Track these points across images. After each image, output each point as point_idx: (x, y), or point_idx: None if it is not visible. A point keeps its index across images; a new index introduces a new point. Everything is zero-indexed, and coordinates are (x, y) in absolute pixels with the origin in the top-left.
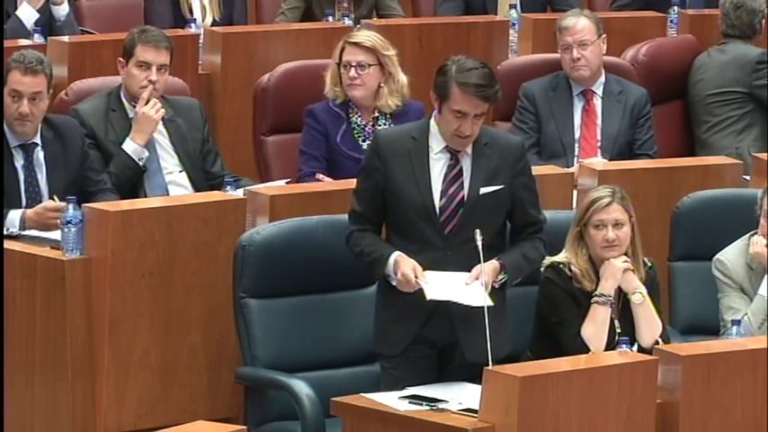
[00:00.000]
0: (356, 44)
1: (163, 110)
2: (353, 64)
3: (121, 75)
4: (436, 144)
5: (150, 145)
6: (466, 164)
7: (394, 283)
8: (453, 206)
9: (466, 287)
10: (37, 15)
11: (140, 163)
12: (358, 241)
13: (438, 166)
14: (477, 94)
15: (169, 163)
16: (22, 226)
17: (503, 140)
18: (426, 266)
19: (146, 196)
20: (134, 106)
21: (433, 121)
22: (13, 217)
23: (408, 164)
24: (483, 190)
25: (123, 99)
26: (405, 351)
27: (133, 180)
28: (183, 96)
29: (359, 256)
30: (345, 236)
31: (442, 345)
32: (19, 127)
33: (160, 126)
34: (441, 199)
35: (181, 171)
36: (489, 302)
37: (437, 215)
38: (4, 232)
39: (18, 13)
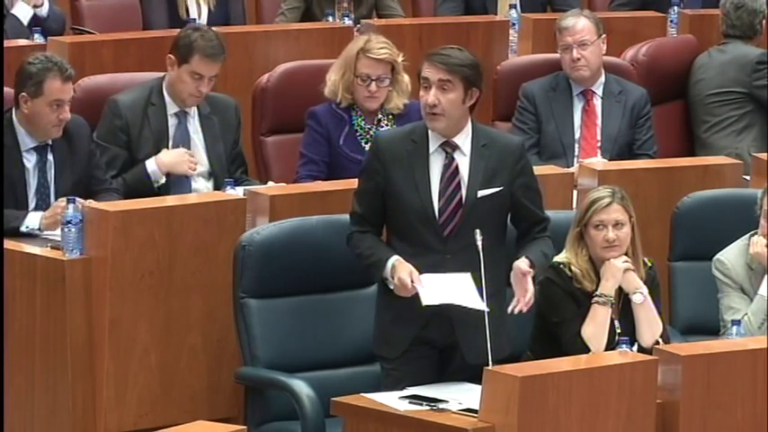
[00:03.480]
0: (375, 58)
1: (196, 170)
2: (373, 78)
3: (169, 71)
4: (433, 143)
5: (184, 145)
6: (463, 164)
7: (392, 287)
8: (451, 208)
9: (462, 291)
10: (32, 12)
11: (155, 186)
12: (358, 243)
13: (435, 167)
14: (439, 61)
15: (199, 166)
16: (41, 227)
17: (502, 141)
18: (425, 269)
19: None
20: (177, 107)
21: None
22: (34, 219)
23: (408, 167)
24: (481, 193)
25: (165, 93)
26: (405, 352)
27: (141, 195)
28: (222, 94)
29: (358, 257)
30: (346, 236)
31: (442, 346)
32: (56, 132)
33: (196, 123)
34: (439, 201)
35: (209, 179)
36: (486, 308)
37: (436, 218)
38: (24, 230)
39: (14, 11)
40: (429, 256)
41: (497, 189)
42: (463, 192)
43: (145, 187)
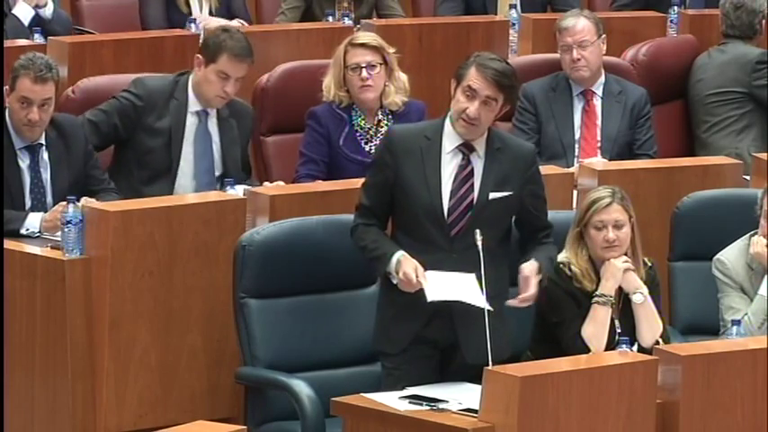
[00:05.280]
0: (362, 45)
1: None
2: (363, 65)
3: (196, 71)
4: (449, 143)
5: (203, 144)
6: (477, 167)
7: (395, 282)
8: (462, 209)
9: (467, 289)
10: (33, 13)
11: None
12: (362, 235)
13: (449, 167)
14: (492, 76)
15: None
16: (41, 229)
17: (515, 146)
18: (430, 267)
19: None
20: (200, 105)
21: (447, 121)
22: (34, 220)
23: (420, 163)
24: (492, 195)
25: (190, 91)
26: (406, 350)
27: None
28: (240, 99)
29: (362, 250)
30: (350, 228)
31: (443, 346)
32: (28, 132)
33: (215, 125)
34: (450, 200)
35: (218, 183)
36: (489, 307)
37: (444, 217)
38: (25, 232)
39: (15, 11)
40: (434, 253)
41: (508, 194)
42: (475, 193)
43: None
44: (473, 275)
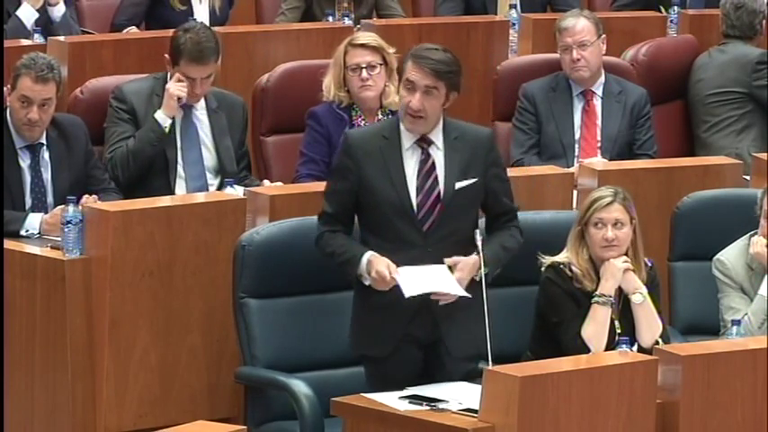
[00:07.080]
0: (363, 45)
1: (185, 93)
2: (363, 65)
3: (169, 71)
4: (407, 140)
5: (190, 138)
6: (438, 159)
7: (368, 284)
8: (430, 202)
9: (441, 279)
10: (37, 15)
11: (165, 129)
12: (329, 242)
13: (411, 163)
14: (424, 64)
15: (207, 159)
16: (41, 230)
17: (472, 133)
18: (406, 264)
19: (172, 187)
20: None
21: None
22: (33, 221)
23: (381, 162)
24: (458, 185)
25: None
26: (391, 353)
27: (154, 144)
28: (230, 92)
29: (330, 257)
30: (315, 237)
31: (426, 342)
32: (27, 132)
33: (203, 117)
34: (417, 196)
35: (216, 176)
36: (465, 294)
37: (415, 212)
38: (24, 233)
39: (18, 13)
40: (409, 250)
41: (473, 180)
42: (441, 186)
43: (155, 134)
44: (445, 266)
